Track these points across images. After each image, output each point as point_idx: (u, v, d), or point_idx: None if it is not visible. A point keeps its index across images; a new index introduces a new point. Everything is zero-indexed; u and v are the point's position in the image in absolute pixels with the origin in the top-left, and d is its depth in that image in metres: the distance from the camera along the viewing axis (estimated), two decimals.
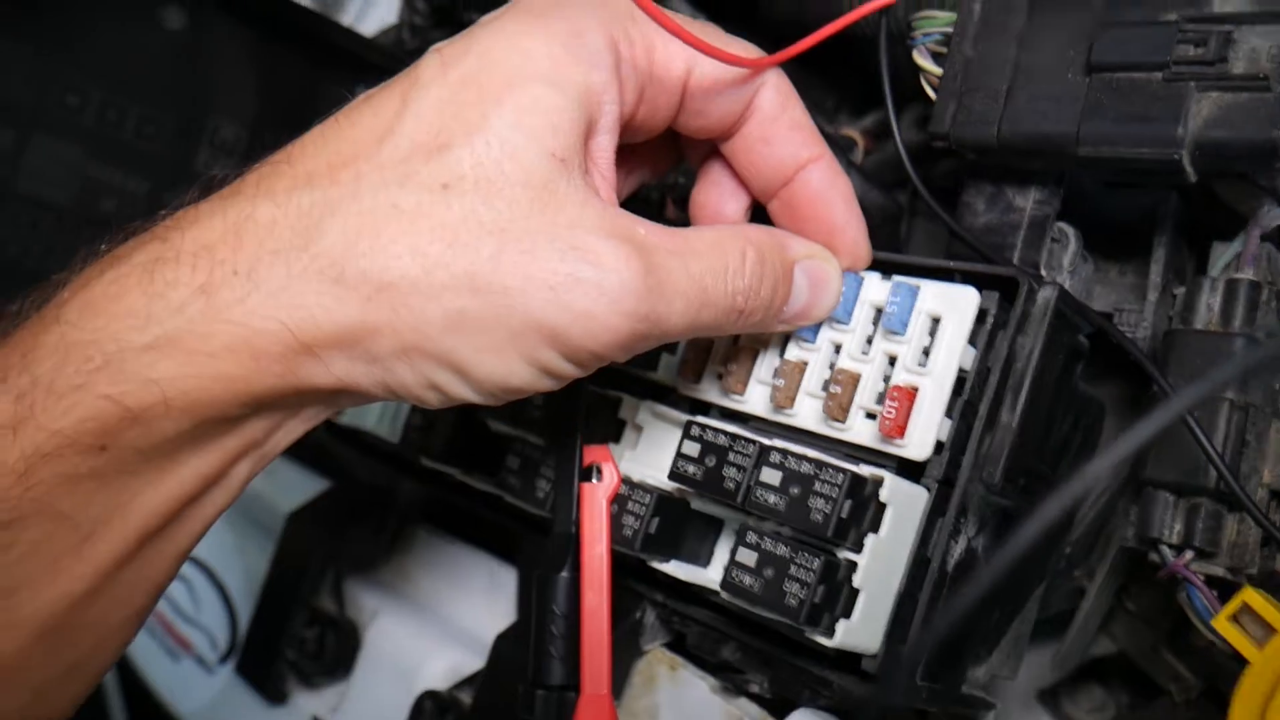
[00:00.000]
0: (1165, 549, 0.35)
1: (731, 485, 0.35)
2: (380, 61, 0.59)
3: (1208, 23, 0.31)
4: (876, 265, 0.37)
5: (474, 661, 0.46)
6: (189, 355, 0.28)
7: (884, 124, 0.60)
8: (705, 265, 0.31)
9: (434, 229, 0.29)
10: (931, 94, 0.38)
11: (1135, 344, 0.36)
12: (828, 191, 0.35)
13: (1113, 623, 0.46)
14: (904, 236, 0.53)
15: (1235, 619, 0.29)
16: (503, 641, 0.43)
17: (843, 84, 0.65)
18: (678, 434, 0.39)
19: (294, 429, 0.32)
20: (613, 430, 0.41)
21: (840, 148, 0.47)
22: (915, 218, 0.54)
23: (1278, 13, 0.31)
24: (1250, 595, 0.29)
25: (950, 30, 0.37)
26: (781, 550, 0.33)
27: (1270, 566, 0.34)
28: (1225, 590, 0.34)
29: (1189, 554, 0.34)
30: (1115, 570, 0.42)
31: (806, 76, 0.64)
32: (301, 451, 0.42)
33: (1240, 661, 0.29)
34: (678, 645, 0.42)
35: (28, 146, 0.51)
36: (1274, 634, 0.28)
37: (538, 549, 0.42)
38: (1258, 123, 0.30)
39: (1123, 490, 0.44)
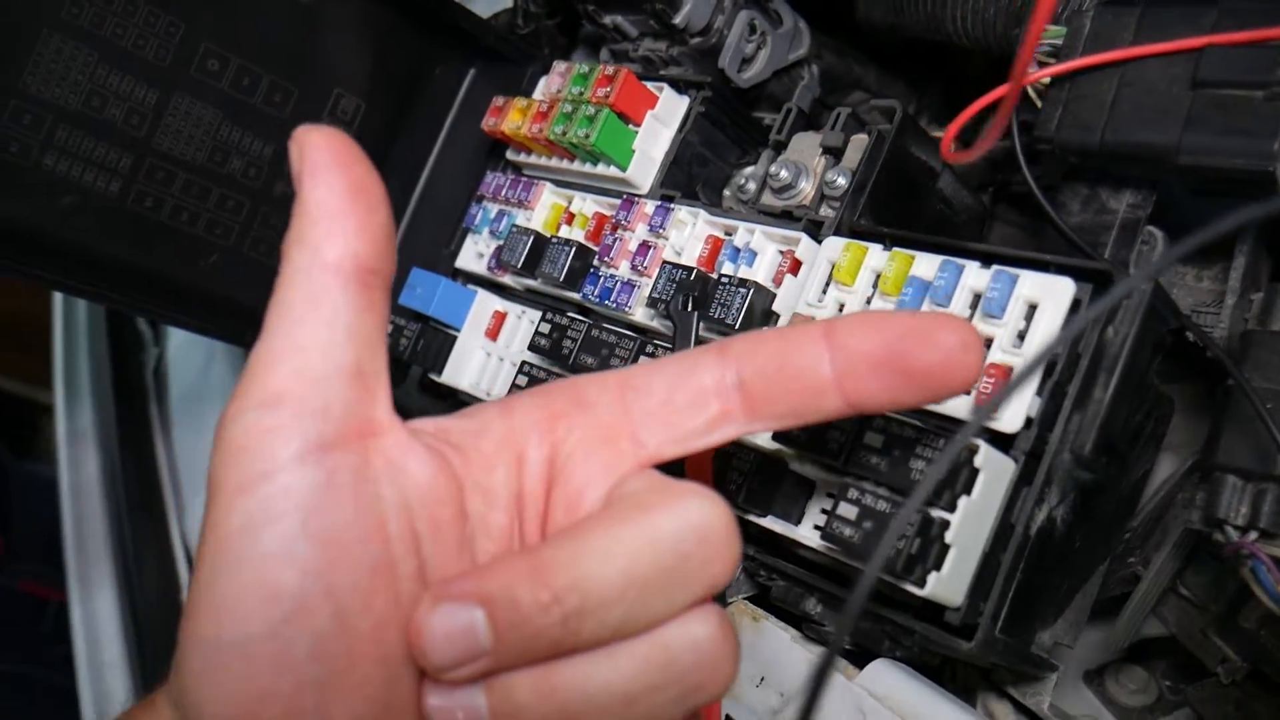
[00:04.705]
0: (1231, 529, 0.38)
1: (835, 446, 0.38)
2: (492, 44, 0.62)
3: None
4: (976, 255, 0.40)
5: None
6: None
7: (969, 130, 0.64)
8: None
9: None
10: (1038, 101, 0.41)
11: (1215, 341, 0.39)
12: None
13: (1163, 607, 0.49)
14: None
15: None
16: None
17: (925, 88, 0.69)
18: None
19: None
20: None
21: (928, 141, 0.50)
22: (994, 220, 0.58)
23: None
24: None
25: (1059, 43, 0.40)
26: (881, 505, 0.36)
27: None
28: None
29: (1253, 534, 0.37)
30: (1173, 555, 0.45)
31: (892, 80, 0.67)
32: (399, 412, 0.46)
33: None
34: (759, 599, 0.45)
35: (168, 107, 0.55)
36: None
37: None
38: None
39: (1182, 484, 0.47)
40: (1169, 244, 0.40)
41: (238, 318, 0.59)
